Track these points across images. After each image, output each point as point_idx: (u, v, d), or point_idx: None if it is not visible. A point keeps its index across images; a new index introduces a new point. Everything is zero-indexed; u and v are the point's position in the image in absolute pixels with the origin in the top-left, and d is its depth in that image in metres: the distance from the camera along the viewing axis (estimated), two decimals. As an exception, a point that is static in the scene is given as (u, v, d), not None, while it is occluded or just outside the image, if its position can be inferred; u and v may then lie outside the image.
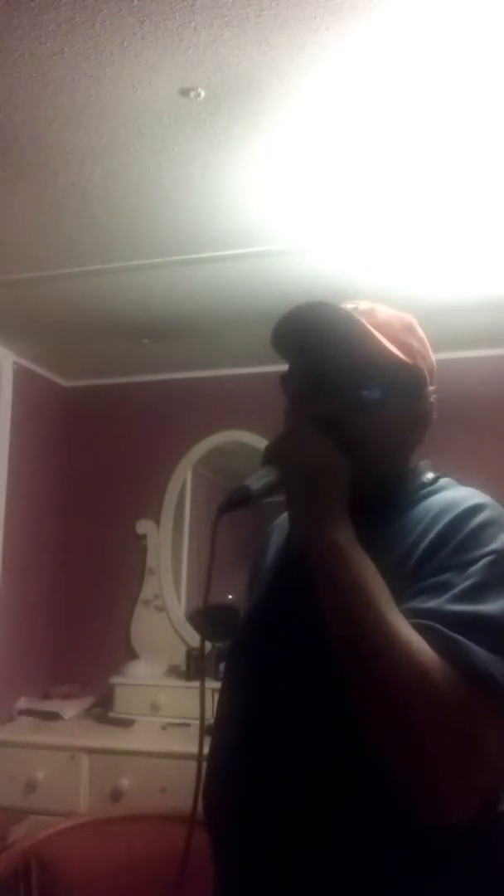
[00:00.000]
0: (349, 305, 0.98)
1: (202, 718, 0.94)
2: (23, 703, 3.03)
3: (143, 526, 3.32)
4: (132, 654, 3.18)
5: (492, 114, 1.54)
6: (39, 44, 1.36)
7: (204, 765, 0.95)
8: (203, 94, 1.48)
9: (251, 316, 2.68)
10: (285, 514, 1.11)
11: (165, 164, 1.74)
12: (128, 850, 1.70)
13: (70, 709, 3.00)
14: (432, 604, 0.80)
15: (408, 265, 2.26)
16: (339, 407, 0.93)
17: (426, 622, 0.78)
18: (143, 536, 3.32)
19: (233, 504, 0.86)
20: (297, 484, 0.87)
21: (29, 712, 2.97)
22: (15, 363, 3.11)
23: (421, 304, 2.55)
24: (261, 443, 3.04)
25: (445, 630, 0.77)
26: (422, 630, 0.77)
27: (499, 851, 0.88)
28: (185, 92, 1.48)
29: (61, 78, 1.45)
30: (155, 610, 3.24)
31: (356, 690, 0.80)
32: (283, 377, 1.03)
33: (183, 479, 3.32)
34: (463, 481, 1.07)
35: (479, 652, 0.76)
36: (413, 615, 0.79)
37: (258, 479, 0.87)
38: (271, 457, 0.89)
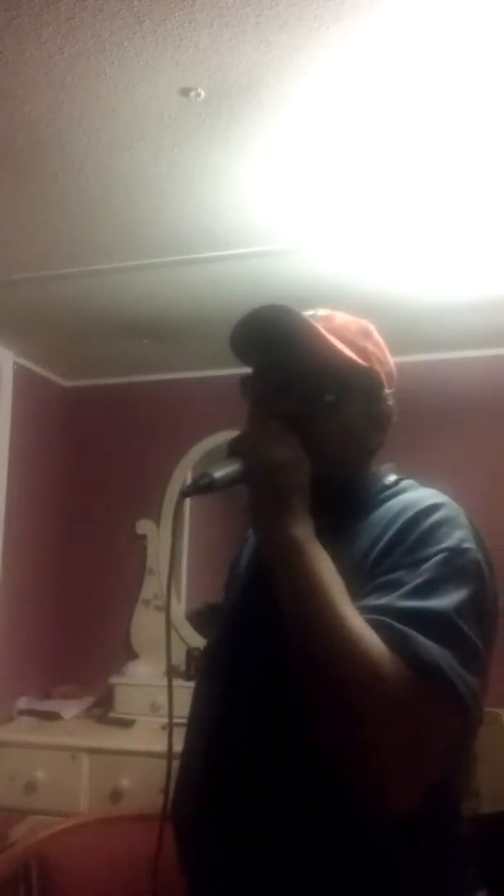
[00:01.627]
0: (308, 312, 1.00)
1: (171, 716, 0.97)
2: (23, 703, 3.03)
3: (143, 526, 3.32)
4: (132, 654, 3.18)
5: (491, 114, 1.54)
6: (39, 44, 1.36)
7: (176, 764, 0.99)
8: (203, 94, 1.48)
9: (251, 316, 2.68)
10: None
11: (165, 164, 1.74)
12: (128, 850, 1.70)
13: (70, 709, 3.00)
14: (384, 600, 0.83)
15: (407, 265, 2.26)
16: (298, 408, 0.95)
17: (378, 617, 0.80)
18: (143, 536, 3.32)
19: (195, 489, 0.87)
20: (260, 477, 0.89)
21: (29, 712, 2.97)
22: (15, 363, 3.11)
23: (420, 303, 2.56)
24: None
25: (396, 624, 0.79)
26: (374, 625, 0.79)
27: (457, 842, 0.94)
28: (185, 92, 1.48)
29: (61, 78, 1.45)
30: (155, 610, 3.24)
31: (308, 683, 0.81)
32: (243, 381, 1.04)
33: (183, 480, 3.32)
34: (432, 482, 1.08)
35: (428, 644, 0.78)
36: (366, 611, 0.81)
37: (222, 468, 0.89)
38: (237, 449, 0.91)
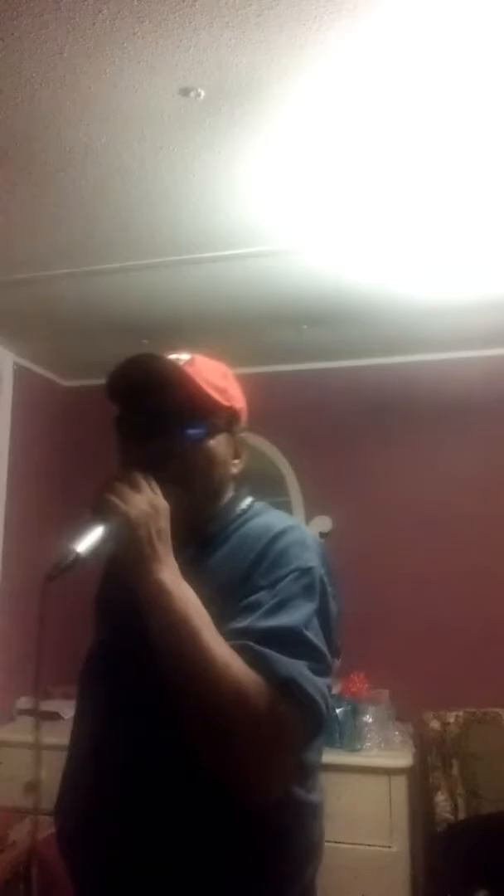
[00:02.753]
0: (172, 356, 1.12)
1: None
2: (23, 703, 3.02)
3: (143, 526, 3.32)
4: (132, 654, 3.18)
5: (491, 114, 1.54)
6: (39, 44, 1.36)
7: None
8: (203, 94, 1.48)
9: (251, 316, 2.68)
10: None
11: (165, 165, 1.74)
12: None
13: (70, 709, 2.98)
14: (246, 622, 0.97)
15: (407, 265, 2.26)
16: (170, 445, 1.06)
17: (240, 642, 0.94)
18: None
19: (61, 570, 0.93)
20: (124, 534, 0.96)
21: (29, 712, 2.97)
22: (15, 363, 3.11)
23: (420, 303, 2.56)
24: (259, 442, 3.04)
25: (256, 647, 0.93)
26: (237, 649, 0.93)
27: (308, 807, 1.07)
28: (185, 92, 1.48)
29: (61, 78, 1.45)
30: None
31: (183, 707, 0.93)
32: (119, 421, 1.15)
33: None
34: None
35: (282, 660, 0.92)
36: (231, 636, 0.95)
37: (84, 540, 0.95)
38: (97, 511, 0.98)
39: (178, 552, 1.03)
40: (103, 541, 0.96)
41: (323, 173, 1.76)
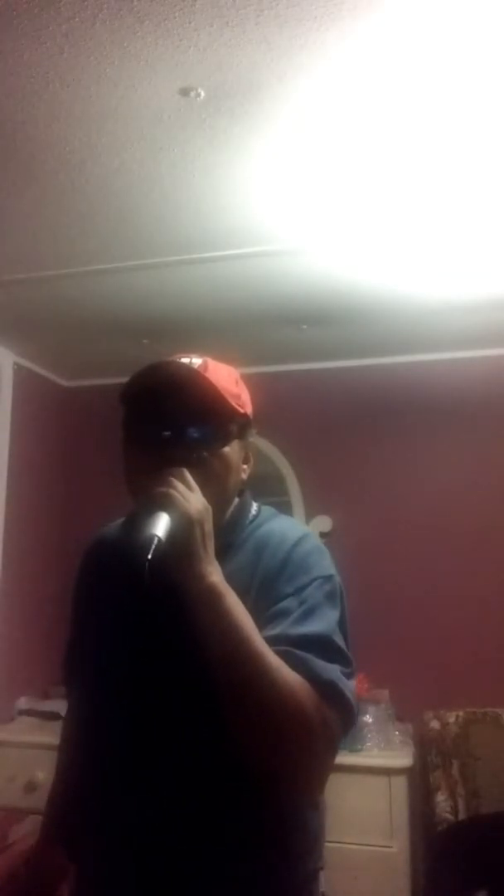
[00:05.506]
0: (183, 359, 1.11)
1: None
2: (23, 703, 3.02)
3: (143, 526, 3.32)
4: (132, 654, 3.18)
5: (491, 114, 1.54)
6: (39, 44, 1.36)
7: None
8: (203, 94, 1.48)
9: (251, 316, 2.68)
10: (107, 533, 1.28)
11: (165, 164, 1.74)
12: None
13: (70, 709, 2.99)
14: (279, 630, 0.99)
15: (407, 265, 2.26)
16: (187, 453, 1.05)
17: (283, 648, 0.96)
18: (143, 536, 3.32)
19: (156, 555, 0.91)
20: (181, 531, 0.95)
21: (29, 712, 2.97)
22: (15, 363, 3.11)
23: (420, 303, 2.56)
24: (259, 442, 3.04)
25: (297, 651, 0.96)
26: (280, 654, 0.95)
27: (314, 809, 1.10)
28: (185, 92, 1.48)
29: (61, 78, 1.45)
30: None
31: (237, 714, 0.94)
32: (131, 425, 1.13)
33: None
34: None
35: (322, 664, 0.96)
36: (270, 641, 0.96)
37: (159, 527, 0.92)
38: (156, 505, 0.95)
39: None
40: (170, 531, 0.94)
41: (323, 173, 1.76)
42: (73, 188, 1.84)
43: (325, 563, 1.09)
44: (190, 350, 1.14)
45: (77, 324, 2.80)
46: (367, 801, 2.50)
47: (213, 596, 0.95)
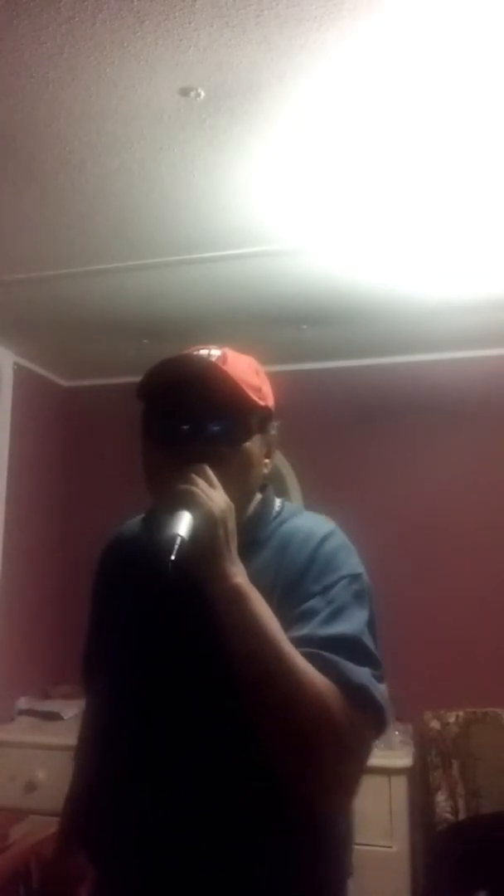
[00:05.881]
0: (202, 351, 1.08)
1: None
2: (23, 703, 3.02)
3: (143, 526, 3.32)
4: (132, 654, 3.18)
5: (491, 114, 1.54)
6: (39, 44, 1.36)
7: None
8: (203, 94, 1.48)
9: (251, 316, 2.68)
10: (126, 531, 1.23)
11: (165, 164, 1.74)
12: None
13: (70, 709, 2.99)
14: (306, 630, 0.96)
15: (407, 265, 2.26)
16: (207, 448, 1.02)
17: (310, 650, 0.93)
18: (143, 536, 3.32)
19: (179, 554, 0.89)
20: (204, 529, 0.92)
21: (29, 712, 2.97)
22: (15, 363, 3.11)
23: (420, 303, 2.56)
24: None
25: (325, 653, 0.93)
26: (307, 657, 0.92)
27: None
28: (185, 92, 1.48)
29: (61, 78, 1.45)
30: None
31: (266, 711, 0.91)
32: (149, 420, 1.08)
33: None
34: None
35: (352, 666, 0.93)
36: (295, 643, 0.93)
37: (182, 526, 0.90)
38: (179, 502, 0.93)
39: None
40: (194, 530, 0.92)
41: (323, 173, 1.76)
42: (73, 188, 1.84)
43: (353, 561, 1.06)
44: (191, 349, 1.13)
45: (77, 324, 2.80)
46: (367, 802, 2.48)
47: (236, 596, 0.93)
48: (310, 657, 0.92)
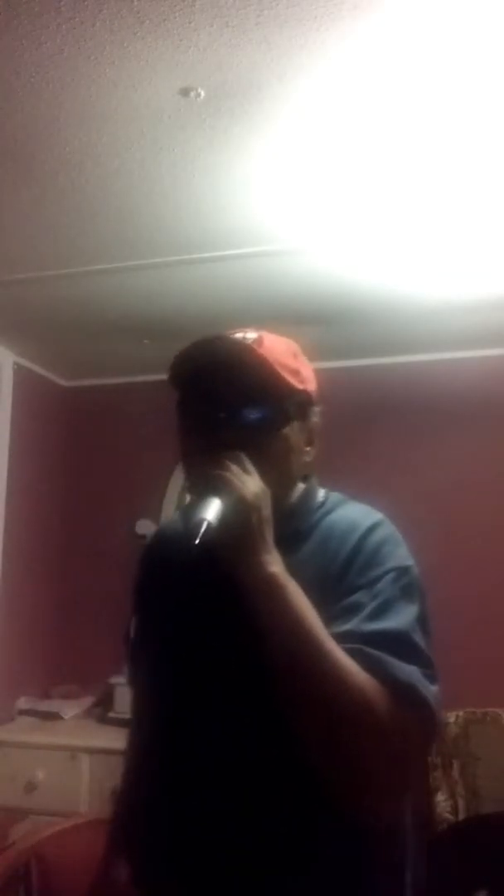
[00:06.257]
0: (237, 334, 1.03)
1: None
2: (23, 703, 3.03)
3: (143, 526, 3.32)
4: (132, 654, 3.18)
5: (491, 114, 1.54)
6: (39, 44, 1.36)
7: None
8: (203, 94, 1.48)
9: (251, 316, 2.67)
10: (167, 526, 1.19)
11: (165, 164, 1.74)
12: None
13: (70, 709, 3.00)
14: (350, 625, 0.90)
15: (407, 265, 2.26)
16: (241, 434, 0.97)
17: (353, 646, 0.87)
18: (143, 536, 3.32)
19: (205, 539, 0.85)
20: (238, 516, 0.89)
21: (29, 712, 2.97)
22: (15, 363, 3.11)
23: (420, 303, 2.56)
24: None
25: (369, 650, 0.87)
26: (350, 653, 0.87)
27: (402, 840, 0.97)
28: (185, 92, 1.48)
29: (61, 78, 1.45)
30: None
31: (300, 710, 0.87)
32: (182, 411, 1.05)
33: (183, 479, 3.32)
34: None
35: (398, 664, 0.87)
36: (337, 639, 0.88)
37: (210, 511, 0.87)
38: (210, 488, 0.90)
39: None
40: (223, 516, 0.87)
41: (323, 173, 1.76)
42: (73, 188, 1.84)
43: (401, 553, 0.99)
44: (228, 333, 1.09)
45: (77, 324, 2.80)
46: (367, 801, 2.49)
47: (272, 587, 0.88)
48: (352, 653, 0.87)
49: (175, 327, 2.74)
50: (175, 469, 3.31)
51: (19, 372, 3.13)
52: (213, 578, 0.89)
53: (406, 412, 3.11)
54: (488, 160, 1.70)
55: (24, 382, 3.16)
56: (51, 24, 1.31)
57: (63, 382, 3.51)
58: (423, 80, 1.44)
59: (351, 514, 1.05)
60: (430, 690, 0.89)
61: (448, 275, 2.32)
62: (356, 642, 0.88)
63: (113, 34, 1.33)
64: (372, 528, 1.00)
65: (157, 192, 1.86)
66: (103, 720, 2.91)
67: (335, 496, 1.11)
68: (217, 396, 0.99)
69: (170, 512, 3.32)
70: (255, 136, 1.62)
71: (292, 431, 1.03)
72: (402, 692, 0.86)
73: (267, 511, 0.92)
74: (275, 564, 0.90)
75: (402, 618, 0.92)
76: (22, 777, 2.59)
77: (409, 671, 0.88)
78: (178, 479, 3.32)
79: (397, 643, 0.89)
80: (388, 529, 1.02)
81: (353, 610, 0.92)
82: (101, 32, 1.33)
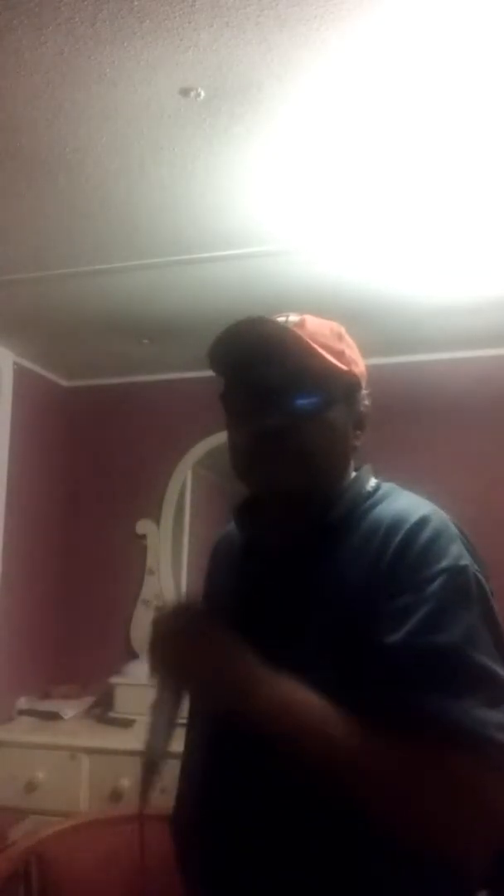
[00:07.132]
0: (280, 318, 1.00)
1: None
2: (23, 703, 3.02)
3: (143, 526, 3.32)
4: (132, 654, 3.18)
5: (491, 114, 1.54)
6: (39, 44, 1.36)
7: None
8: (203, 94, 1.48)
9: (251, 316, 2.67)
10: (231, 525, 1.15)
11: (165, 164, 1.74)
12: (128, 851, 1.69)
13: (70, 709, 3.00)
14: (399, 637, 0.82)
15: (406, 265, 2.26)
16: (284, 419, 0.94)
17: (396, 694, 0.80)
18: (143, 536, 3.32)
19: (154, 770, 0.89)
20: (198, 688, 0.89)
21: (29, 712, 2.97)
22: (15, 363, 3.11)
23: (420, 303, 2.56)
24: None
25: (417, 700, 0.79)
26: (393, 709, 0.79)
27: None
28: (185, 92, 1.48)
29: (61, 78, 1.45)
30: (155, 610, 3.24)
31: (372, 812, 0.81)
32: (225, 395, 1.03)
33: (183, 479, 3.32)
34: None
35: (452, 707, 0.78)
36: (388, 655, 0.82)
37: (157, 737, 0.90)
38: (161, 673, 0.91)
39: (300, 542, 0.94)
40: (176, 701, 0.88)
41: (323, 173, 1.76)
42: (73, 188, 1.84)
43: (455, 551, 0.89)
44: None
45: (77, 324, 2.79)
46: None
47: (264, 718, 0.82)
48: (397, 706, 0.79)
49: (174, 327, 2.75)
50: (175, 469, 3.32)
51: (19, 372, 3.13)
52: (251, 585, 0.87)
53: (406, 412, 3.10)
54: (489, 160, 1.70)
55: (24, 382, 3.16)
56: (51, 24, 1.31)
57: (63, 382, 3.51)
58: (423, 80, 1.44)
59: (399, 505, 0.97)
60: (493, 722, 0.78)
61: (448, 275, 2.32)
62: (398, 672, 0.81)
63: (113, 34, 1.33)
64: (420, 523, 0.91)
65: (156, 192, 1.86)
66: (103, 720, 2.91)
67: (388, 486, 1.05)
68: (261, 381, 0.96)
69: (170, 512, 3.32)
70: (255, 136, 1.62)
71: (338, 415, 0.99)
72: (464, 742, 0.78)
73: (234, 666, 0.85)
74: (256, 699, 0.83)
75: (455, 629, 0.82)
76: (22, 777, 2.59)
77: (465, 713, 0.78)
78: (178, 478, 3.32)
79: (449, 668, 0.81)
80: (439, 523, 0.93)
81: (402, 617, 0.83)
82: (101, 32, 1.33)
